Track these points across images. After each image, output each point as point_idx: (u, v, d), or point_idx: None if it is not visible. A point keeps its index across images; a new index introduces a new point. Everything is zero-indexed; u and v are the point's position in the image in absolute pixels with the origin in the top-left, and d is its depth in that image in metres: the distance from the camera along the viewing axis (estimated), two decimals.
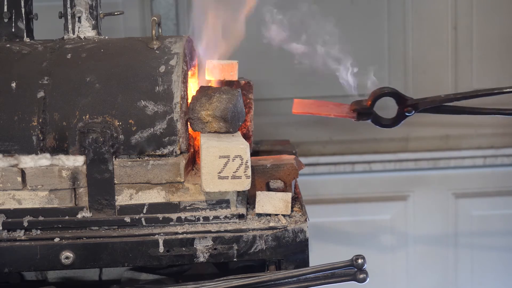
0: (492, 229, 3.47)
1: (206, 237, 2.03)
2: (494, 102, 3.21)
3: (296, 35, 3.33)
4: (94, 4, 2.29)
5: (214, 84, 2.38)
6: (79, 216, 2.07)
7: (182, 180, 2.08)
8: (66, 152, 2.07)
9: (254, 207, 2.13)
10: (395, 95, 2.54)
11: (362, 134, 3.41)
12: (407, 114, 2.55)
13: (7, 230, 2.06)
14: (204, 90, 2.18)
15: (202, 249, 2.03)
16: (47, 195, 2.08)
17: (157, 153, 2.08)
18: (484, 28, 3.38)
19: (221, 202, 2.09)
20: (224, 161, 2.01)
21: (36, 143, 2.07)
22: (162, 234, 2.03)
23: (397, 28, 3.38)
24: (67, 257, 2.01)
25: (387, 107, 2.60)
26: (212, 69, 2.37)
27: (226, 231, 2.04)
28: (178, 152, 2.08)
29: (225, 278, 1.96)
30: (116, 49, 2.19)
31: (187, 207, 2.09)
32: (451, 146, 3.42)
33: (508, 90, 2.62)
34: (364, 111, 2.53)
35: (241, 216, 2.09)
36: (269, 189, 2.17)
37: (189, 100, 2.17)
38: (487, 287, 3.51)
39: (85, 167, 2.07)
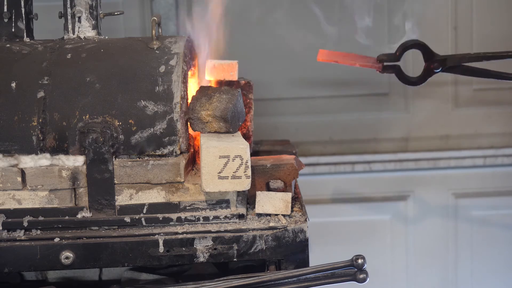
0: (492, 229, 3.47)
1: (206, 237, 2.03)
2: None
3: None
4: (94, 4, 2.29)
5: (214, 84, 2.38)
6: (79, 216, 2.07)
7: (182, 180, 2.08)
8: (66, 152, 2.07)
9: (254, 207, 2.13)
10: (424, 48, 2.48)
11: (362, 134, 3.41)
12: (434, 70, 2.49)
13: (7, 230, 2.06)
14: (204, 90, 2.18)
15: (202, 249, 2.03)
16: (47, 195, 2.08)
17: (157, 153, 2.08)
18: (484, 28, 3.37)
19: (221, 202, 2.09)
20: (224, 161, 2.01)
21: (36, 143, 2.07)
22: (162, 234, 2.03)
23: (397, 28, 3.37)
24: (67, 257, 2.01)
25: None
26: (212, 69, 2.38)
27: (226, 231, 2.04)
28: (178, 152, 2.08)
29: (225, 278, 1.96)
30: (116, 49, 2.19)
31: (187, 207, 2.09)
32: (451, 146, 3.41)
33: None
34: (390, 63, 2.45)
35: (241, 216, 2.09)
36: (269, 189, 2.17)
37: (189, 100, 2.17)
38: (487, 287, 3.51)
39: (85, 167, 2.07)
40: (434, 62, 2.47)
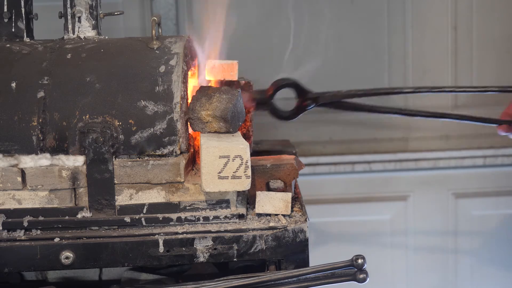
0: (492, 229, 3.47)
1: (206, 237, 2.03)
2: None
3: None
4: (94, 4, 2.29)
5: (214, 84, 2.38)
6: (79, 216, 2.07)
7: (182, 180, 2.08)
8: (66, 152, 2.07)
9: (254, 207, 2.13)
10: (296, 86, 2.49)
11: (362, 134, 3.41)
12: (307, 108, 2.50)
13: (7, 230, 2.06)
14: (204, 90, 2.18)
15: (202, 249, 2.03)
16: (47, 195, 2.08)
17: (157, 153, 2.08)
18: (484, 28, 3.38)
19: (221, 202, 2.09)
20: (224, 161, 2.01)
21: (36, 143, 2.07)
22: (162, 234, 2.03)
23: (397, 28, 3.38)
24: (67, 257, 2.01)
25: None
26: (212, 69, 2.37)
27: (226, 231, 2.04)
28: (178, 152, 2.08)
29: (225, 278, 1.96)
30: (116, 49, 2.19)
31: (187, 207, 2.09)
32: (451, 146, 3.41)
33: (407, 90, 2.60)
34: (263, 101, 2.47)
35: (241, 216, 2.09)
36: (269, 189, 2.17)
37: (189, 100, 2.17)
38: (487, 287, 3.51)
39: (85, 167, 2.07)
40: (307, 100, 2.48)
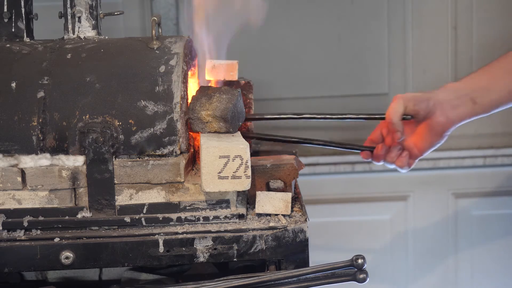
0: (492, 229, 3.47)
1: (206, 237, 2.03)
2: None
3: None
4: (94, 4, 2.29)
5: (214, 84, 2.38)
6: (79, 216, 2.07)
7: (182, 180, 2.08)
8: (66, 152, 2.07)
9: (254, 207, 2.13)
10: None
11: (362, 134, 3.41)
12: None
13: (7, 230, 2.06)
14: (204, 90, 2.18)
15: (202, 249, 2.03)
16: (47, 195, 2.08)
17: (157, 153, 2.08)
18: (484, 28, 3.38)
19: (221, 202, 2.09)
20: (224, 161, 2.01)
21: (36, 143, 2.07)
22: (162, 234, 2.03)
23: (397, 28, 3.38)
24: (67, 257, 2.01)
25: None
26: (212, 69, 2.38)
27: (226, 231, 2.04)
28: (178, 152, 2.08)
29: (225, 278, 1.96)
30: (116, 49, 2.19)
31: (187, 207, 2.09)
32: (451, 146, 3.41)
33: (267, 116, 2.54)
34: None
35: (241, 216, 2.09)
36: (269, 189, 2.17)
37: (189, 100, 2.17)
38: (487, 287, 3.51)
39: (85, 167, 2.07)
40: None
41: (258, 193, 2.11)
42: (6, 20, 2.28)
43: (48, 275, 2.34)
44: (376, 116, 2.49)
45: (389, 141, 2.51)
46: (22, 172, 2.07)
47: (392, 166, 2.55)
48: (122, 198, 2.08)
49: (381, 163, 2.56)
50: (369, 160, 2.58)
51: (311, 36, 3.35)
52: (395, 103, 2.43)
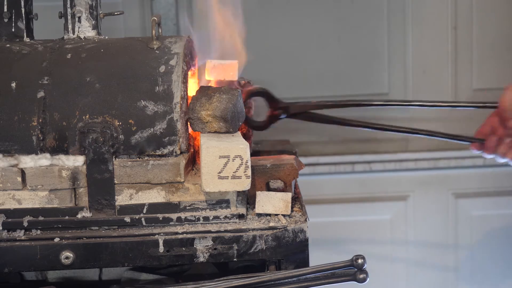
0: (492, 229, 3.47)
1: (206, 237, 2.03)
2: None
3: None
4: (94, 4, 2.29)
5: (214, 84, 2.38)
6: (79, 216, 2.07)
7: (182, 180, 2.08)
8: (66, 152, 2.07)
9: (254, 207, 2.13)
10: (266, 95, 2.48)
11: (362, 134, 3.41)
12: (278, 117, 2.49)
13: (7, 230, 2.06)
14: (204, 90, 2.18)
15: (202, 249, 2.03)
16: (47, 195, 2.08)
17: (157, 153, 2.08)
18: (484, 28, 3.38)
19: (221, 202, 2.09)
20: (224, 161, 2.01)
21: (36, 143, 2.07)
22: (162, 234, 2.03)
23: (397, 28, 3.38)
24: (67, 257, 2.01)
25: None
26: (212, 69, 2.37)
27: (226, 231, 2.04)
28: (178, 152, 2.08)
29: (225, 278, 1.96)
30: (116, 49, 2.19)
31: (187, 207, 2.09)
32: (451, 146, 3.41)
33: (376, 103, 2.60)
34: None
35: (241, 216, 2.09)
36: (269, 189, 2.17)
37: (189, 100, 2.17)
38: (487, 287, 3.51)
39: (85, 167, 2.07)
40: (278, 109, 2.47)
41: (258, 193, 2.11)
42: (6, 20, 2.28)
43: (48, 275, 2.34)
44: (488, 105, 2.46)
45: (501, 132, 2.46)
46: (22, 172, 2.07)
47: (504, 160, 2.48)
48: (122, 198, 2.08)
49: (492, 156, 2.49)
50: (479, 152, 2.53)
51: (311, 36, 3.35)
52: (510, 90, 2.38)
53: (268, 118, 2.51)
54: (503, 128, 2.43)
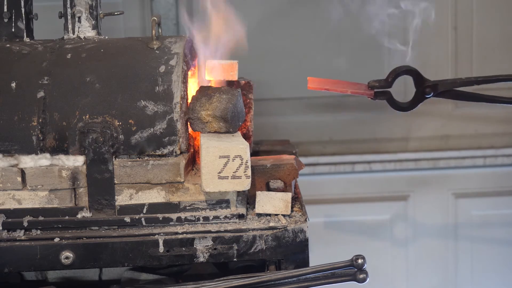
0: (492, 229, 3.47)
1: (206, 237, 2.03)
2: None
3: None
4: (94, 4, 2.29)
5: (214, 84, 2.38)
6: (79, 216, 2.07)
7: (182, 180, 2.08)
8: (66, 152, 2.07)
9: (254, 207, 2.13)
10: (415, 73, 2.45)
11: (362, 134, 3.41)
12: (426, 96, 2.46)
13: (7, 230, 2.06)
14: (204, 90, 2.18)
15: (202, 249, 2.03)
16: (47, 195, 2.08)
17: (157, 153, 2.08)
18: (484, 28, 3.37)
19: (221, 202, 2.09)
20: (224, 161, 2.01)
21: (36, 143, 2.07)
22: (162, 234, 2.04)
23: (397, 28, 3.37)
24: (67, 257, 2.01)
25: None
26: (212, 69, 2.37)
27: (226, 231, 2.04)
28: (178, 152, 2.08)
29: (225, 278, 1.96)
30: (116, 49, 2.19)
31: (187, 207, 2.09)
32: (451, 146, 3.41)
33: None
34: (382, 89, 2.40)
35: (241, 216, 2.09)
36: (269, 189, 2.17)
37: (189, 100, 2.17)
38: (487, 287, 3.51)
39: (85, 167, 2.07)
40: (426, 88, 2.44)
41: (258, 193, 2.11)
42: (6, 20, 2.28)
43: (48, 275, 2.34)
44: None
45: None
46: (22, 172, 2.07)
47: None
48: (122, 198, 2.08)
49: None
50: None
51: (311, 36, 3.35)
52: None
53: (415, 97, 2.46)
54: None
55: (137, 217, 2.07)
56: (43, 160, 2.07)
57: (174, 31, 3.27)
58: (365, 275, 1.93)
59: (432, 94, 2.44)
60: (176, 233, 2.04)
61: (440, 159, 3.42)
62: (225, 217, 2.08)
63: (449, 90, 2.46)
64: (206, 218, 2.07)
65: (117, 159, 2.07)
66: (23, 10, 2.30)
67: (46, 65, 2.14)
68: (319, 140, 3.44)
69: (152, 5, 3.27)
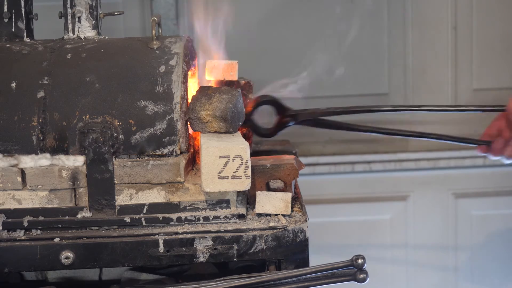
0: (492, 229, 3.47)
1: (206, 237, 2.03)
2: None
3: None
4: (94, 4, 2.29)
5: (214, 84, 2.38)
6: (79, 216, 2.07)
7: (182, 180, 2.08)
8: (66, 152, 2.07)
9: (254, 207, 2.13)
10: (275, 104, 2.48)
11: (362, 134, 3.41)
12: (287, 124, 2.49)
13: (7, 230, 2.06)
14: (204, 90, 2.18)
15: (202, 249, 2.03)
16: (47, 195, 2.08)
17: (157, 153, 2.08)
18: (484, 28, 3.38)
19: (221, 202, 2.09)
20: (224, 161, 2.01)
21: (36, 143, 2.07)
22: (162, 234, 2.04)
23: (397, 28, 3.38)
24: (67, 257, 2.01)
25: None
26: (212, 69, 2.37)
27: (226, 231, 2.04)
28: (178, 152, 2.08)
29: (225, 278, 1.96)
30: (116, 49, 2.19)
31: (187, 207, 2.09)
32: (451, 146, 3.42)
33: (385, 108, 2.61)
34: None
35: (241, 216, 2.09)
36: (269, 189, 2.17)
37: (189, 100, 2.17)
38: (487, 287, 3.51)
39: (85, 167, 2.07)
40: (286, 117, 2.47)
41: (258, 193, 2.11)
42: (6, 20, 2.28)
43: (48, 275, 2.34)
44: (497, 108, 2.47)
45: (507, 134, 2.48)
46: (22, 172, 2.07)
47: (510, 161, 2.50)
48: (122, 198, 2.08)
49: (498, 157, 2.51)
50: (486, 154, 2.54)
51: (311, 36, 3.35)
52: None
53: (276, 125, 2.50)
54: (510, 131, 2.46)
55: (137, 217, 2.07)
56: (43, 160, 2.07)
57: (174, 31, 3.27)
58: (365, 275, 1.93)
59: (293, 123, 2.48)
60: (176, 233, 2.04)
61: (440, 159, 3.43)
62: (225, 217, 2.08)
63: (309, 119, 2.50)
64: (206, 218, 2.07)
65: (117, 159, 2.07)
66: (23, 10, 2.30)
67: (46, 65, 2.14)
68: (319, 140, 3.44)
69: (152, 5, 3.27)
